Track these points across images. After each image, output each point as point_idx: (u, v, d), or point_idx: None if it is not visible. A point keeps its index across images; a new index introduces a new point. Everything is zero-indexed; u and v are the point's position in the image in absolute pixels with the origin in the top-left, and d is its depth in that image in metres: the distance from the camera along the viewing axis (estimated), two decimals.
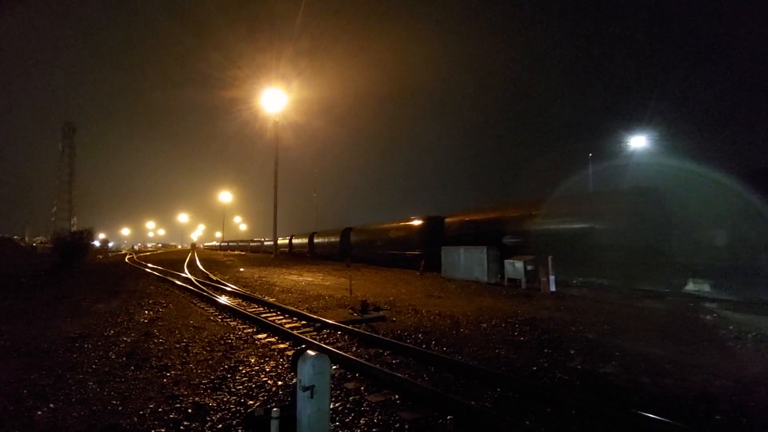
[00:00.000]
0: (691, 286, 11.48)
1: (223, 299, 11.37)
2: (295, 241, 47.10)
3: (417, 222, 22.94)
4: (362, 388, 4.65)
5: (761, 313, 8.59)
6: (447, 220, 22.00)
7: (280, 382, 4.82)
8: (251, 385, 4.74)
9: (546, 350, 6.08)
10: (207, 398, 4.38)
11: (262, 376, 5.08)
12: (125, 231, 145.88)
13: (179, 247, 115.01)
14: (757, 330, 7.12)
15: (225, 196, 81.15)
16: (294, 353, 2.80)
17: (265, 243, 57.54)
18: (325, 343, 6.48)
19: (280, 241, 47.51)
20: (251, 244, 66.80)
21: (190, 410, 4.06)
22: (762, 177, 11.21)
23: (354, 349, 6.32)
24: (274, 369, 5.34)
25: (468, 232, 19.50)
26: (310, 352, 2.69)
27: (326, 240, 36.46)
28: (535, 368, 5.27)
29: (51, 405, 4.22)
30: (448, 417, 3.85)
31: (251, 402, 4.25)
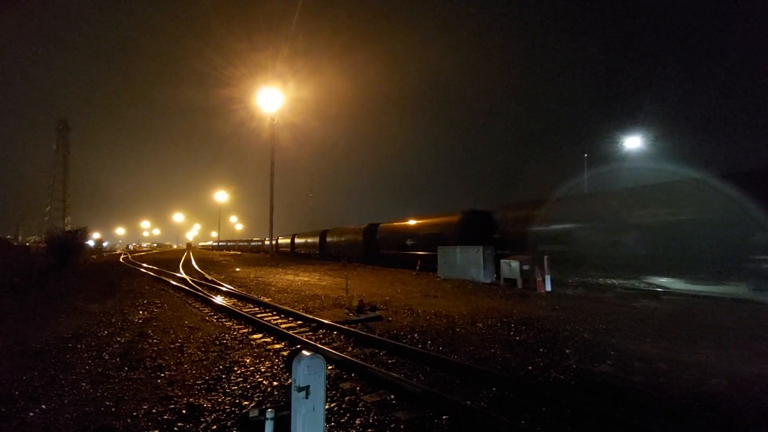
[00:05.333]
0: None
1: (218, 299, 11.32)
2: (297, 240, 47.22)
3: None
4: (358, 388, 4.64)
5: (754, 312, 8.66)
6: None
7: (275, 383, 4.80)
8: (246, 386, 4.72)
9: (541, 349, 6.09)
10: (201, 399, 4.35)
11: (258, 376, 5.06)
12: (120, 230, 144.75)
13: (174, 246, 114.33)
14: (751, 329, 7.18)
15: (221, 196, 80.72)
16: (289, 354, 2.78)
17: (259, 242, 57.44)
18: (320, 344, 6.46)
19: (279, 240, 47.57)
20: (248, 243, 66.58)
21: (184, 411, 4.04)
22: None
23: (350, 349, 6.31)
24: (269, 369, 5.32)
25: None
26: (305, 353, 2.67)
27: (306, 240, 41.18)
28: (530, 367, 5.28)
29: (43, 406, 4.18)
30: (444, 417, 3.84)
31: (246, 403, 4.23)
